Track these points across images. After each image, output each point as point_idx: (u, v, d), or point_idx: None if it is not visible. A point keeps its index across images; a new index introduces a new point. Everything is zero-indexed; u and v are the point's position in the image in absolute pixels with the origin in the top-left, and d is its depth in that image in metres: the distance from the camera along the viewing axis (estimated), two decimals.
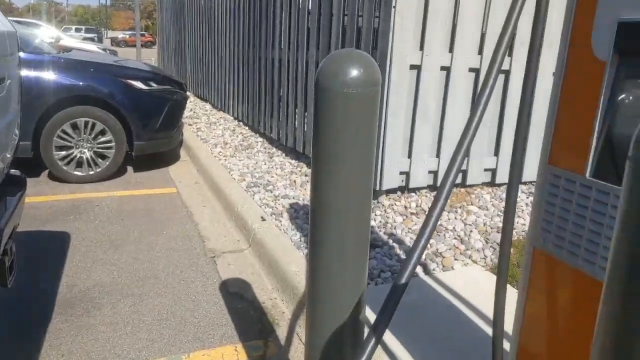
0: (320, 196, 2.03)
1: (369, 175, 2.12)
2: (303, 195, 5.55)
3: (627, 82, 1.65)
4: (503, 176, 5.72)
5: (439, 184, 5.69)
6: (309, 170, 6.46)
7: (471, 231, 4.67)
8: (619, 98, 1.67)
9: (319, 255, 2.09)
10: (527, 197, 5.52)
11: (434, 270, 4.09)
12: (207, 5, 11.28)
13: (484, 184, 5.78)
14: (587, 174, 1.76)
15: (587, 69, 1.77)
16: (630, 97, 1.63)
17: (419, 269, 4.12)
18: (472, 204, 5.27)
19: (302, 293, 3.51)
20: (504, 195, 5.58)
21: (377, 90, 1.96)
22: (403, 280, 1.67)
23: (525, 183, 5.92)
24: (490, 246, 4.39)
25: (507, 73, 5.55)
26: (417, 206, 5.32)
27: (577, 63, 1.82)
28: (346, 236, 2.06)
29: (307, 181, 6.04)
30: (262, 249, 4.38)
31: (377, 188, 5.32)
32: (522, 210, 5.15)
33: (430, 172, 5.56)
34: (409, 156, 5.44)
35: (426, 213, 5.00)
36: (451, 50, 5.29)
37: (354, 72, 1.88)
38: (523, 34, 5.43)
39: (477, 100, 1.84)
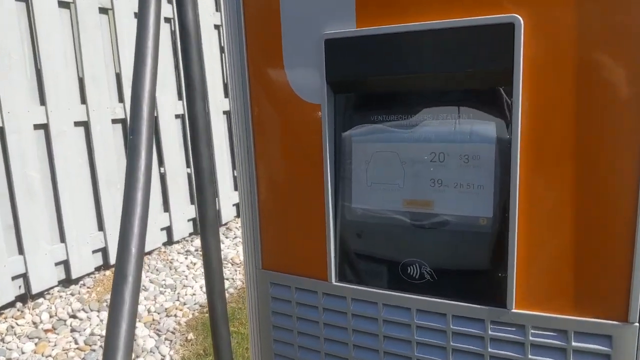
0: None
1: None
2: None
3: (360, 128, 1.05)
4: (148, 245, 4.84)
5: (73, 275, 4.36)
6: None
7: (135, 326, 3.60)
8: (354, 157, 1.06)
9: None
10: (185, 258, 4.82)
11: None
12: None
13: None
14: (334, 279, 1.09)
15: (293, 121, 1.10)
16: (372, 156, 1.04)
17: None
18: None
19: None
20: (152, 264, 4.68)
21: None
22: None
23: (178, 241, 5.20)
24: (165, 338, 3.46)
25: (86, 124, 4.54)
26: (52, 316, 3.84)
27: (268, 117, 1.13)
28: None
29: None
30: None
31: None
32: (187, 277, 4.41)
33: (58, 263, 4.15)
34: (21, 252, 3.90)
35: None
36: (43, 102, 4.03)
37: None
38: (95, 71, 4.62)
39: (130, 164, 0.94)
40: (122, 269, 0.92)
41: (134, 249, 0.92)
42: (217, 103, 5.71)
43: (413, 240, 1.01)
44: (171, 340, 3.44)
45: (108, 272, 4.48)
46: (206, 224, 1.48)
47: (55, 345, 3.52)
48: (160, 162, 5.00)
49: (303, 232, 1.12)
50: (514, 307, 0.92)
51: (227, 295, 3.83)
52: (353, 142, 1.05)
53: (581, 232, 0.87)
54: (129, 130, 0.97)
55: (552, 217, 0.89)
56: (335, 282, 1.09)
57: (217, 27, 5.76)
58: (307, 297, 1.14)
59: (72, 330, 3.66)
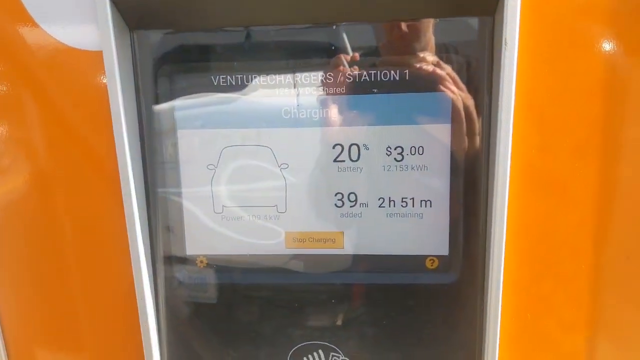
0: None
1: None
2: None
3: (191, 102, 0.52)
4: None
5: None
6: None
7: None
8: (183, 158, 0.53)
9: None
10: None
11: None
12: None
13: None
14: None
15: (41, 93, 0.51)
16: (221, 155, 0.53)
17: None
18: None
19: None
20: None
21: None
22: None
23: None
24: None
25: None
26: None
27: None
28: None
29: None
30: None
31: None
32: None
33: None
34: None
35: None
36: None
37: None
38: None
39: None
40: None
41: None
42: None
43: (310, 309, 0.55)
44: None
45: None
46: None
47: None
48: None
49: (85, 311, 0.57)
50: None
51: None
52: (178, 127, 0.52)
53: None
54: None
55: (565, 254, 0.51)
56: None
57: None
58: None
59: None
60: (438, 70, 0.49)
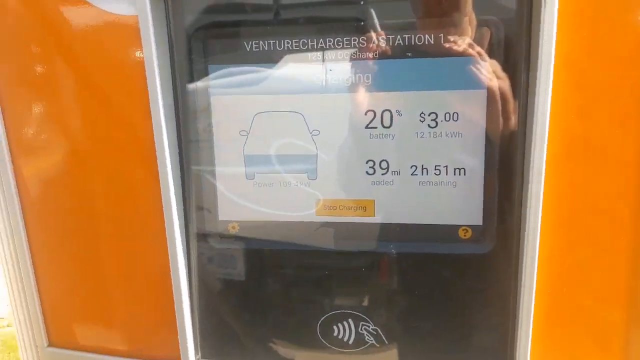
0: None
1: None
2: None
3: (225, 69, 0.52)
4: None
5: None
6: None
7: None
8: (217, 123, 0.53)
9: None
10: None
11: None
12: None
13: None
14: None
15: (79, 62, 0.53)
16: (253, 120, 0.53)
17: None
18: None
19: None
20: None
21: None
22: None
23: None
24: None
25: None
26: None
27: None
28: None
29: None
30: None
31: None
32: None
33: None
34: None
35: None
36: None
37: None
38: None
39: None
40: None
41: None
42: None
43: (341, 277, 0.54)
44: None
45: None
46: None
47: None
48: None
49: (122, 283, 0.58)
50: None
51: None
52: (211, 94, 0.53)
53: None
54: None
55: (604, 228, 0.49)
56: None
57: None
58: None
59: None
60: (474, 34, 0.48)
